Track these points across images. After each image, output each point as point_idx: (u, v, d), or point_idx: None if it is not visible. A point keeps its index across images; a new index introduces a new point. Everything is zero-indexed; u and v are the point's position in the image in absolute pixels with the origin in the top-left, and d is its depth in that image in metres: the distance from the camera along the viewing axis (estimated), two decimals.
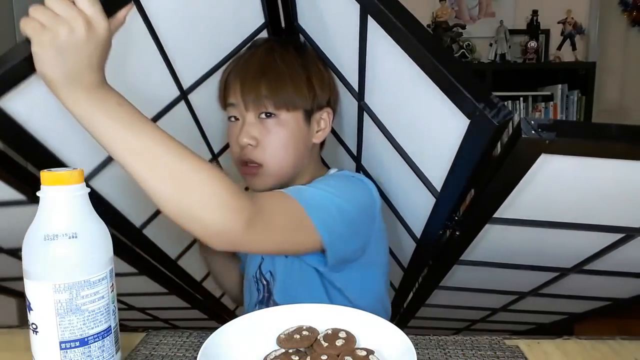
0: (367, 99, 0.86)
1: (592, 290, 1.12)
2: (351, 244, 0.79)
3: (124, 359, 0.61)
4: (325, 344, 0.56)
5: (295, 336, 0.57)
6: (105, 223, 0.56)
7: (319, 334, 0.58)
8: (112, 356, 0.55)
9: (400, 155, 0.82)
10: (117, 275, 0.58)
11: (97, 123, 0.57)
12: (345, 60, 0.86)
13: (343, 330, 0.58)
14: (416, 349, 0.53)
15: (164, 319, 1.77)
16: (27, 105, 0.64)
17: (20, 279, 0.53)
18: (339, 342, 0.56)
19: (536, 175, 0.60)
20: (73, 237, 0.52)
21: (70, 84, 0.55)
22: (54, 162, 0.72)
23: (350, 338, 0.57)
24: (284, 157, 0.83)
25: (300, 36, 0.96)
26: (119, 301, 0.58)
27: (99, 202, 0.82)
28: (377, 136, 0.87)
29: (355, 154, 1.05)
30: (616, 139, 0.56)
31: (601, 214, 0.71)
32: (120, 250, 1.02)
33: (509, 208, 0.69)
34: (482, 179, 0.66)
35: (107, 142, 0.57)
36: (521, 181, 0.62)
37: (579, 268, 0.92)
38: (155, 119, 0.86)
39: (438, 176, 0.73)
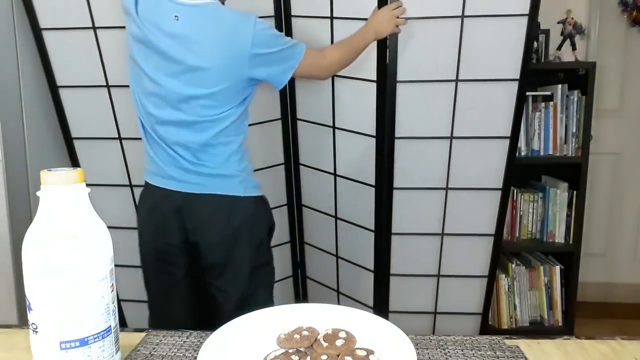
0: None
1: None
2: None
3: (124, 359, 0.61)
4: (325, 344, 0.56)
5: (295, 336, 0.57)
6: None
7: (319, 334, 0.58)
8: (112, 356, 0.55)
9: None
10: None
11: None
12: None
13: (343, 330, 0.58)
14: (416, 349, 0.53)
15: None
16: None
17: None
18: (339, 342, 0.56)
19: None
20: (73, 237, 0.52)
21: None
22: None
23: (350, 338, 0.57)
24: None
25: None
26: None
27: None
28: None
29: None
30: None
31: None
32: None
33: None
34: None
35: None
36: None
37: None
38: None
39: None
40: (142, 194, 1.39)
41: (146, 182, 1.36)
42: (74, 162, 1.77)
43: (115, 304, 0.57)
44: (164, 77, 1.24)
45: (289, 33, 1.71)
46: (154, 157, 1.31)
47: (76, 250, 0.52)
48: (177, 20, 1.21)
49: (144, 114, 1.30)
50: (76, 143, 1.75)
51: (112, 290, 0.56)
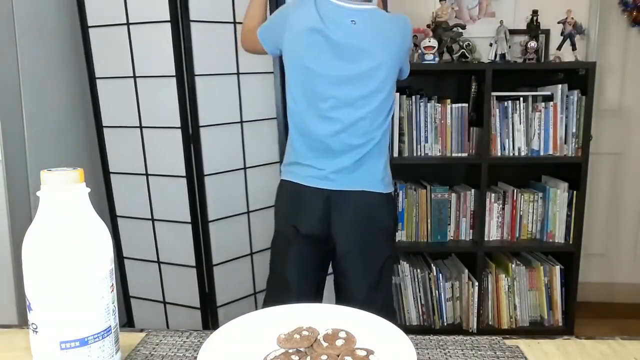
0: None
1: None
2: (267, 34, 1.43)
3: (124, 359, 0.61)
4: (325, 344, 0.56)
5: (295, 336, 0.57)
6: None
7: (319, 334, 0.58)
8: (112, 356, 0.55)
9: None
10: None
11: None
12: None
13: (343, 330, 0.58)
14: (416, 349, 0.53)
15: None
16: None
17: None
18: (339, 342, 0.56)
19: None
20: (73, 237, 0.52)
21: None
22: None
23: (350, 338, 0.57)
24: None
25: None
26: None
27: None
28: None
29: None
30: None
31: None
32: None
33: None
34: None
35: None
36: None
37: None
38: None
39: None
40: (284, 191, 1.42)
41: (288, 181, 1.40)
42: (102, 150, 1.92)
43: (116, 303, 0.57)
44: (343, 80, 1.32)
45: None
46: (306, 162, 1.37)
47: (76, 250, 0.52)
48: (355, 24, 1.31)
49: (312, 120, 1.35)
50: (105, 131, 1.92)
51: (112, 290, 0.56)
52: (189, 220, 1.86)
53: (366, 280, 1.40)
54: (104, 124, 1.90)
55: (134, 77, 1.84)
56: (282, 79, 1.82)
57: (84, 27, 1.84)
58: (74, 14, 1.86)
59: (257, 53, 1.49)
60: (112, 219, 1.97)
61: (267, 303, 1.45)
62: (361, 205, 1.36)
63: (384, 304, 1.44)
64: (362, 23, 1.32)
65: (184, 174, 1.84)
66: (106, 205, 1.97)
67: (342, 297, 1.44)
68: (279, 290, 1.43)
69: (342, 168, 1.35)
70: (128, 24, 1.79)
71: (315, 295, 1.46)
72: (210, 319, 1.93)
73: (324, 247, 1.41)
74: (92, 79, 1.88)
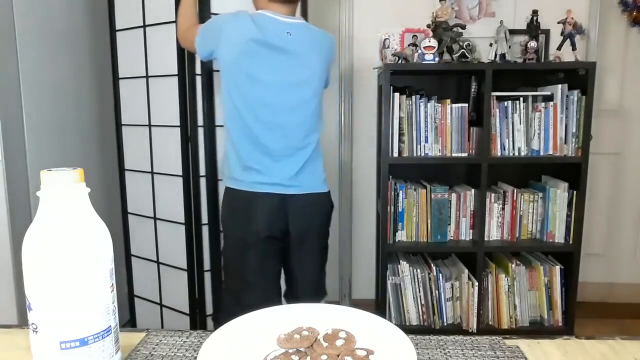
0: None
1: None
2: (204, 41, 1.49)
3: (124, 359, 0.61)
4: (325, 344, 0.56)
5: (295, 336, 0.57)
6: None
7: (319, 334, 0.58)
8: (112, 356, 0.55)
9: None
10: None
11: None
12: None
13: (343, 330, 0.58)
14: (416, 349, 0.53)
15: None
16: None
17: None
18: (339, 342, 0.56)
19: None
20: (73, 237, 0.52)
21: None
22: None
23: (350, 338, 0.57)
24: None
25: None
26: None
27: None
28: None
29: None
30: None
31: None
32: None
33: None
34: None
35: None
36: None
37: None
38: None
39: None
40: (237, 199, 1.47)
41: (240, 190, 1.46)
42: (120, 147, 2.00)
43: (116, 303, 0.57)
44: (283, 86, 1.42)
45: None
46: (254, 166, 1.44)
47: (76, 250, 0.52)
48: (290, 35, 1.43)
49: (255, 125, 1.42)
50: (123, 129, 2.00)
51: (112, 290, 0.56)
52: (183, 221, 1.85)
53: (317, 261, 1.55)
54: (123, 123, 2.00)
55: (147, 76, 1.90)
56: (208, 82, 1.85)
57: (112, 31, 1.94)
58: (85, 15, 1.94)
59: (194, 52, 1.56)
60: (123, 216, 1.99)
61: (229, 307, 1.51)
62: (310, 202, 1.50)
63: (324, 279, 1.62)
64: (297, 35, 1.43)
65: (181, 173, 1.84)
66: (119, 202, 2.00)
67: (293, 282, 1.56)
68: (241, 291, 1.49)
69: (289, 176, 1.45)
70: (144, 26, 1.85)
71: (276, 289, 1.56)
72: (198, 328, 1.91)
73: (281, 243, 1.52)
74: (115, 79, 1.97)
